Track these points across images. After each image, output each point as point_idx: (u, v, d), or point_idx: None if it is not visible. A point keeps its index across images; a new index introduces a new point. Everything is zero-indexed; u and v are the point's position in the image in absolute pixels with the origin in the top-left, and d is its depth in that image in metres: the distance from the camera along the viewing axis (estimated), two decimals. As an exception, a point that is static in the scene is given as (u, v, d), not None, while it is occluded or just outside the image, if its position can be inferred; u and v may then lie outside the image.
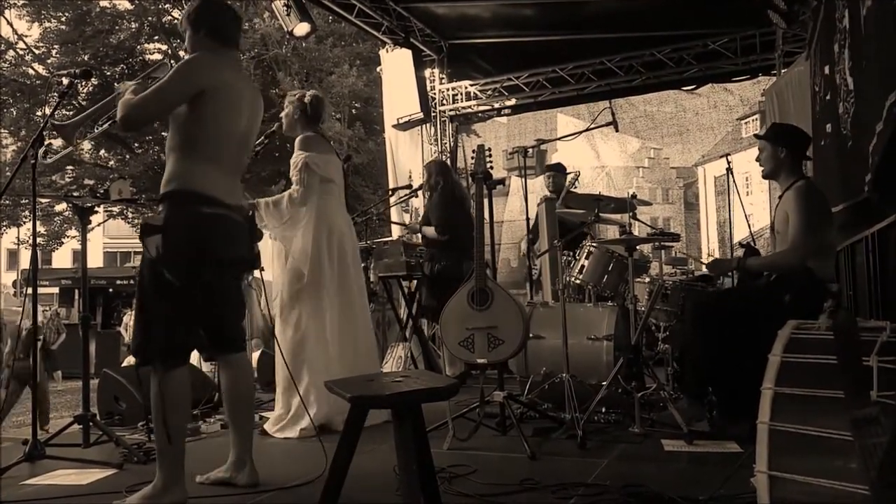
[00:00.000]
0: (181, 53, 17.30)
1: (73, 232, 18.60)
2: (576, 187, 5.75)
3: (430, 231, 5.42)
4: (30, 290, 3.28)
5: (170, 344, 2.44)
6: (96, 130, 3.05)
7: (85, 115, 2.99)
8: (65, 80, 3.22)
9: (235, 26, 2.76)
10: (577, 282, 4.36)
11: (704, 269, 4.84)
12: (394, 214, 7.19)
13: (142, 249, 2.50)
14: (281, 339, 3.66)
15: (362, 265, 5.38)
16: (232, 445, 2.69)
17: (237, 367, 2.68)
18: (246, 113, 2.66)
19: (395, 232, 7.17)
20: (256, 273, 2.88)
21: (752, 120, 7.38)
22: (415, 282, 5.79)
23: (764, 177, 3.55)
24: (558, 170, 5.94)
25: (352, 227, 4.02)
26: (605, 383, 3.58)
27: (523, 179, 5.63)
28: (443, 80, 8.43)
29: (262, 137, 4.25)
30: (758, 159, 3.50)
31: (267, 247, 3.87)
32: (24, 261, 21.46)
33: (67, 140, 3.04)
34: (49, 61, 17.37)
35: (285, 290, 3.80)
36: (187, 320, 2.48)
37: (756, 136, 3.69)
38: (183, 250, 2.44)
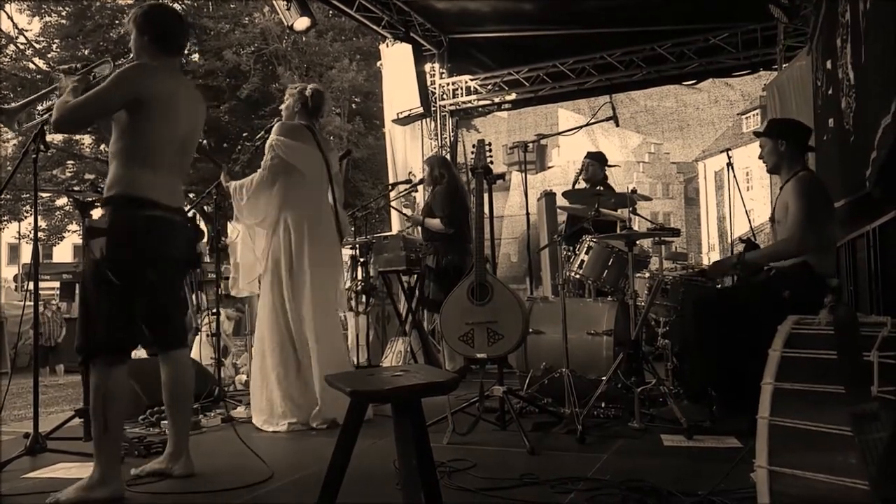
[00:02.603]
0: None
1: (73, 226, 18.62)
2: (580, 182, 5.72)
3: (434, 223, 5.39)
4: (31, 285, 3.30)
5: (111, 341, 2.53)
6: (36, 118, 3.07)
7: (27, 102, 3.07)
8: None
9: (180, 33, 2.84)
10: (577, 277, 4.36)
11: (705, 264, 4.84)
12: (396, 207, 7.18)
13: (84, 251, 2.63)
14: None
15: (362, 260, 5.41)
16: (169, 437, 2.80)
17: (178, 362, 2.79)
18: (184, 120, 2.74)
19: (395, 226, 7.17)
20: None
21: (753, 115, 7.37)
22: (414, 276, 5.79)
23: (768, 171, 3.55)
24: (598, 159, 5.74)
25: (327, 221, 3.91)
26: (604, 378, 3.58)
27: (524, 174, 5.61)
28: (443, 75, 8.41)
29: (263, 132, 4.26)
30: (761, 157, 3.50)
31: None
32: (26, 255, 21.47)
33: (8, 125, 3.10)
34: (49, 56, 17.35)
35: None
36: (128, 318, 2.57)
37: (755, 133, 3.68)
38: (124, 251, 2.55)
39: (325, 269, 3.82)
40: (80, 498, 2.43)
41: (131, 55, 2.81)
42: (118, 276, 2.51)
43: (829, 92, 4.48)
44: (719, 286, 4.44)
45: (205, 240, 2.93)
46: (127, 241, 2.55)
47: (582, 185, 5.56)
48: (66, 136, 17.28)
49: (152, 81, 2.62)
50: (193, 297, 5.21)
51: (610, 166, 5.82)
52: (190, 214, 2.93)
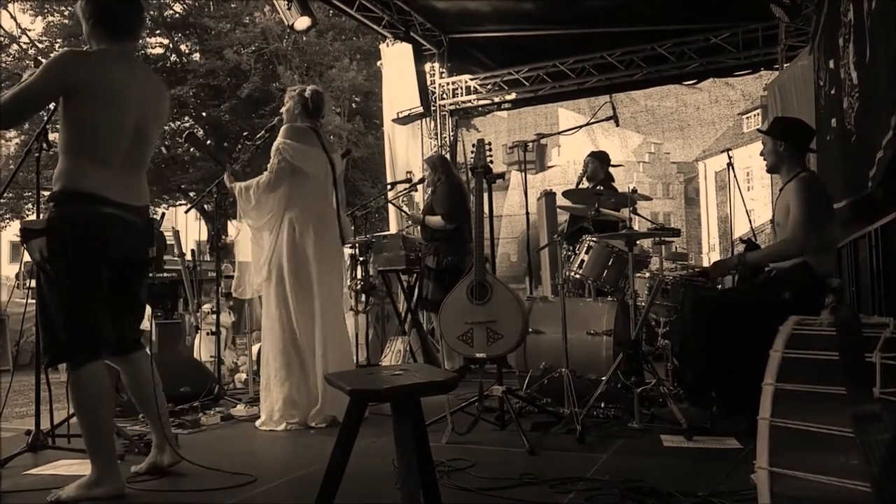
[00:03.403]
0: (182, 48, 17.29)
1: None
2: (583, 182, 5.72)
3: (435, 221, 5.38)
4: (33, 283, 3.29)
5: (72, 343, 2.45)
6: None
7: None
8: None
9: (132, 17, 2.67)
10: (577, 276, 4.35)
11: (706, 265, 4.82)
12: (393, 209, 7.18)
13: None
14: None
15: (361, 259, 5.40)
16: (152, 432, 2.82)
17: (134, 364, 2.73)
18: (134, 108, 2.57)
19: (395, 226, 7.16)
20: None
21: (754, 115, 7.36)
22: (414, 275, 5.78)
23: (767, 171, 3.53)
24: (599, 157, 5.74)
25: (330, 222, 3.91)
26: (604, 378, 3.57)
27: (523, 174, 5.60)
28: (443, 75, 8.40)
29: (263, 132, 4.27)
30: (762, 154, 3.49)
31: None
32: (27, 254, 21.44)
33: None
34: (52, 55, 17.33)
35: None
36: (84, 318, 2.46)
37: (759, 130, 3.68)
38: (65, 250, 2.43)
39: (329, 268, 3.83)
40: (80, 495, 2.42)
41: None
42: (62, 277, 2.41)
43: (832, 91, 4.47)
44: (720, 286, 4.43)
45: (185, 243, 2.83)
46: (67, 239, 2.42)
47: (585, 184, 5.57)
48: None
49: (86, 67, 2.48)
50: (193, 294, 5.20)
51: (614, 166, 5.82)
52: (191, 213, 2.87)
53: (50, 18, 17.44)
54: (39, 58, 3.08)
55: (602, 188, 5.32)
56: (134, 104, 2.57)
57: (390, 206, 6.97)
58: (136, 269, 2.67)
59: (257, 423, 3.76)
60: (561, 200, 5.48)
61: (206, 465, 2.76)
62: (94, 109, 2.47)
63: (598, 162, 5.69)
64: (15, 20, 17.33)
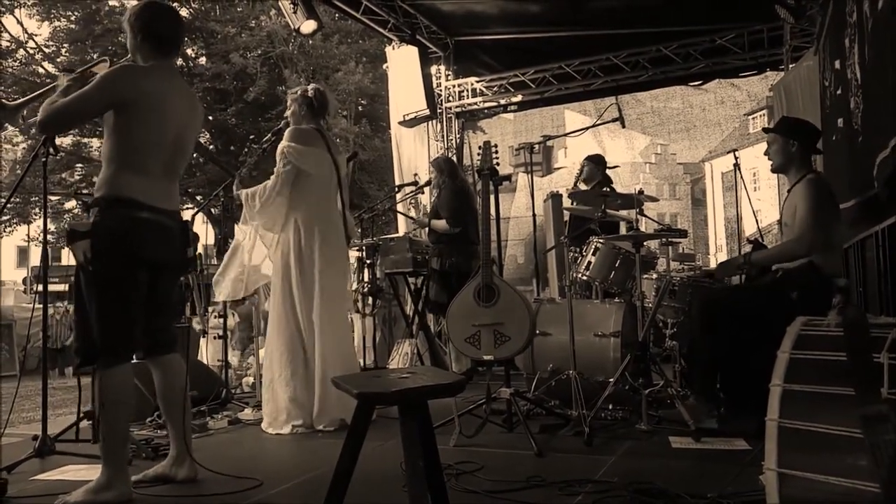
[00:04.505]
0: (188, 52, 17.35)
1: (82, 229, 18.64)
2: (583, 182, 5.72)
3: (440, 224, 5.39)
4: (40, 287, 3.32)
5: (107, 344, 2.51)
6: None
7: (28, 99, 3.06)
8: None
9: (175, 34, 2.79)
10: (584, 278, 4.35)
11: (713, 266, 4.81)
12: (401, 209, 7.19)
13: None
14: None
15: (369, 262, 5.41)
16: (171, 442, 2.77)
17: (169, 367, 2.75)
18: (175, 121, 2.68)
19: (402, 228, 7.17)
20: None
21: (760, 115, 7.34)
22: (421, 278, 5.79)
23: (773, 170, 3.52)
24: (594, 160, 5.75)
25: (336, 223, 3.93)
26: (612, 380, 3.56)
27: (530, 176, 5.61)
28: (449, 77, 8.41)
29: (269, 135, 4.28)
30: (766, 153, 3.47)
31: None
32: (35, 258, 21.58)
33: (9, 121, 3.10)
34: (59, 60, 17.43)
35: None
36: (121, 320, 2.53)
37: (765, 129, 3.66)
38: (109, 253, 2.51)
39: (334, 270, 3.83)
40: (88, 500, 2.44)
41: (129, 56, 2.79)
42: (104, 279, 2.49)
43: (839, 92, 4.46)
44: (727, 287, 4.41)
45: (200, 244, 2.88)
46: (112, 242, 2.51)
47: (582, 187, 5.58)
48: (74, 139, 17.38)
49: (139, 83, 2.59)
50: (200, 298, 5.22)
51: (611, 168, 5.81)
52: (198, 217, 2.90)
53: (56, 23, 17.54)
54: (65, 67, 3.13)
55: (607, 189, 5.32)
56: (176, 117, 2.69)
57: (398, 208, 6.97)
58: (173, 271, 2.77)
59: (263, 424, 3.77)
60: (568, 202, 5.49)
61: (214, 469, 2.76)
62: (141, 122, 2.58)
63: (594, 165, 5.71)
64: (21, 25, 17.45)
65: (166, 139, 2.66)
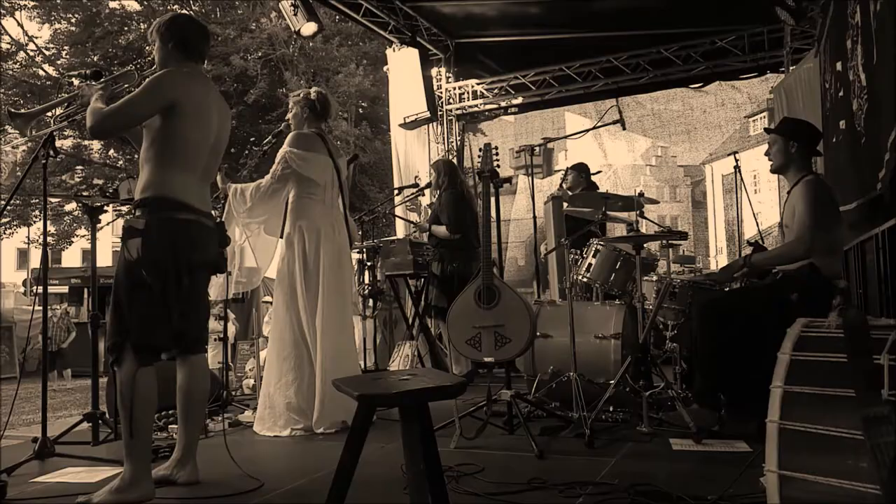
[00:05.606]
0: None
1: (82, 231, 18.69)
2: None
3: (440, 230, 5.40)
4: (40, 289, 3.32)
5: (143, 342, 2.53)
6: (52, 126, 3.10)
7: (43, 108, 3.10)
8: (75, 81, 3.26)
9: (203, 41, 2.88)
10: (585, 280, 4.35)
11: (713, 268, 4.81)
12: (400, 213, 7.19)
13: (120, 251, 2.62)
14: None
15: (369, 264, 5.41)
16: (178, 443, 2.77)
17: (196, 367, 2.77)
18: (215, 124, 2.77)
19: (402, 230, 7.17)
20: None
21: (761, 118, 7.34)
22: (421, 280, 5.79)
23: (772, 171, 3.51)
24: (577, 168, 5.89)
25: (341, 230, 3.93)
26: (612, 382, 3.56)
27: (530, 178, 5.61)
28: (449, 79, 8.42)
29: (270, 137, 4.27)
30: (767, 154, 3.47)
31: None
32: (35, 260, 21.57)
33: (20, 130, 3.12)
34: (59, 62, 17.46)
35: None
36: (161, 320, 2.56)
37: (767, 130, 3.66)
38: (160, 253, 2.56)
39: (337, 275, 3.83)
40: (113, 500, 2.42)
41: (154, 66, 2.85)
42: (153, 277, 2.52)
43: (840, 94, 4.46)
44: (727, 289, 4.41)
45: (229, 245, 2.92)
46: (163, 243, 2.56)
47: (564, 189, 5.70)
48: (74, 141, 17.39)
49: (185, 87, 2.66)
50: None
51: (594, 174, 5.92)
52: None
53: (57, 26, 17.57)
54: (87, 74, 3.12)
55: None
56: (215, 120, 2.78)
57: (398, 210, 6.98)
58: (208, 270, 2.81)
59: (258, 427, 3.76)
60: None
61: (216, 470, 2.76)
62: (187, 125, 2.65)
63: (577, 172, 5.83)
64: (22, 27, 17.47)
65: (208, 141, 2.74)
